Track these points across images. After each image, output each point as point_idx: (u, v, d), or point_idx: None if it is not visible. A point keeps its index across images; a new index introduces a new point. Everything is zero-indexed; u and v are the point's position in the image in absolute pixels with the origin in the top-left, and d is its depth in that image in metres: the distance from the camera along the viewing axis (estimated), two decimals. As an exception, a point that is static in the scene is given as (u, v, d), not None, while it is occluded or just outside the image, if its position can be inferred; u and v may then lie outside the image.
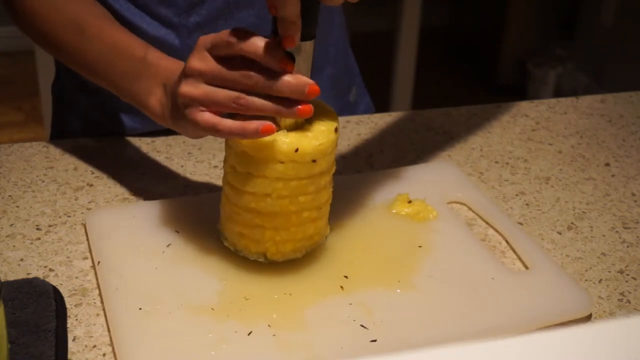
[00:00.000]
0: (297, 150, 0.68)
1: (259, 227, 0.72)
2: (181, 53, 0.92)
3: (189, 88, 0.69)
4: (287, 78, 0.67)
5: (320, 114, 0.71)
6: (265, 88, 0.67)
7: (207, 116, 0.69)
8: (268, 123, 0.67)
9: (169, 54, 0.80)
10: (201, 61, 0.69)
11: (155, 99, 0.76)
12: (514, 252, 0.80)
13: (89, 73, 0.84)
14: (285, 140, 0.68)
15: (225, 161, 0.73)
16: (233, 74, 0.68)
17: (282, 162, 0.68)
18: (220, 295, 0.71)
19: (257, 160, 0.68)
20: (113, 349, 0.66)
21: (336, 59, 1.06)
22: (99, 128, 1.01)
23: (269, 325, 0.68)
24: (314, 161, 0.69)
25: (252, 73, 0.67)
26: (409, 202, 0.84)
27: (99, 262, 0.75)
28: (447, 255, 0.78)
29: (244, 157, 0.69)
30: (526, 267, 0.78)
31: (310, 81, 0.67)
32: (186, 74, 0.70)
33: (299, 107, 0.67)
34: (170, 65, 0.77)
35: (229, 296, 0.71)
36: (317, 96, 0.68)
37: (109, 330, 0.68)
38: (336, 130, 0.71)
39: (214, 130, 0.69)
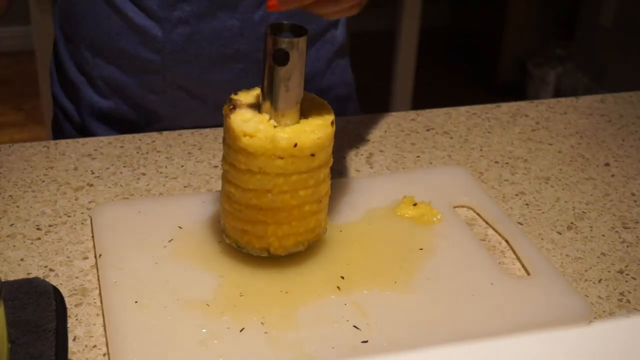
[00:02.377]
0: (296, 145, 0.68)
1: (261, 222, 0.72)
2: (164, 45, 0.93)
3: None
4: None
5: (315, 108, 0.72)
6: None
7: None
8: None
9: (153, 45, 0.79)
10: None
11: None
12: (518, 258, 0.80)
13: None
14: (284, 136, 0.68)
15: (223, 159, 0.73)
16: None
17: (282, 158, 0.68)
18: (216, 291, 0.71)
19: (256, 157, 0.69)
20: (106, 340, 0.67)
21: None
22: (99, 128, 1.01)
23: (262, 323, 0.68)
24: (312, 155, 0.69)
25: None
26: (414, 204, 0.84)
27: (100, 255, 0.75)
28: (447, 258, 0.78)
29: (242, 154, 0.69)
30: (528, 273, 0.77)
31: None
32: None
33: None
34: None
35: (225, 292, 0.71)
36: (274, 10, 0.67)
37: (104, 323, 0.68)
38: (332, 123, 0.71)
39: None
